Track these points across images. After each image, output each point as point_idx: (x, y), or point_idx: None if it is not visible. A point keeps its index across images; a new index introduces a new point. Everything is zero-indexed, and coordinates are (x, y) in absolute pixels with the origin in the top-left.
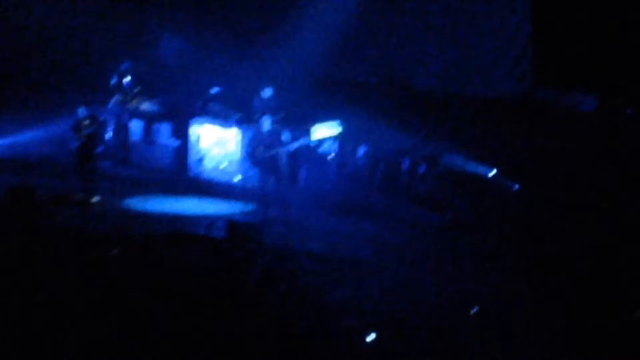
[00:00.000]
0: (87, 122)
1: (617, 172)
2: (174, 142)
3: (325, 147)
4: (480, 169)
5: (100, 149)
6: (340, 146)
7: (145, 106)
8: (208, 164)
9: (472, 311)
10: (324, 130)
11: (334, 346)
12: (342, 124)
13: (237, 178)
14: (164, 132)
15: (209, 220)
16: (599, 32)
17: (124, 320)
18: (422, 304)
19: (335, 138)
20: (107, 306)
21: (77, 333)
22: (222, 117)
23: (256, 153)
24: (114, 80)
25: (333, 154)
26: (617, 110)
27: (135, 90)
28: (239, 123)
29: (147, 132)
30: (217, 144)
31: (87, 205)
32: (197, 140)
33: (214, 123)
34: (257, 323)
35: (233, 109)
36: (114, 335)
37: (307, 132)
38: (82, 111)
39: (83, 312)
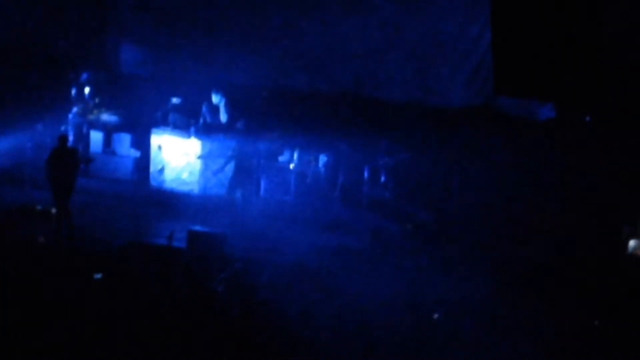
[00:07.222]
0: None
1: (576, 180)
2: (135, 153)
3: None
4: (441, 178)
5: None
6: (301, 156)
7: (105, 117)
8: (169, 175)
9: (435, 317)
10: None
11: (298, 356)
12: (304, 133)
13: (196, 189)
14: (124, 143)
15: (170, 231)
16: (558, 42)
17: (86, 330)
18: (385, 311)
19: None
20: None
21: (40, 340)
22: (183, 128)
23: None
24: (73, 91)
25: (293, 164)
26: (576, 119)
27: (95, 101)
28: (199, 133)
29: (107, 143)
30: (177, 154)
31: (48, 217)
32: (158, 151)
33: (174, 133)
34: (219, 333)
35: (193, 119)
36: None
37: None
38: None
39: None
